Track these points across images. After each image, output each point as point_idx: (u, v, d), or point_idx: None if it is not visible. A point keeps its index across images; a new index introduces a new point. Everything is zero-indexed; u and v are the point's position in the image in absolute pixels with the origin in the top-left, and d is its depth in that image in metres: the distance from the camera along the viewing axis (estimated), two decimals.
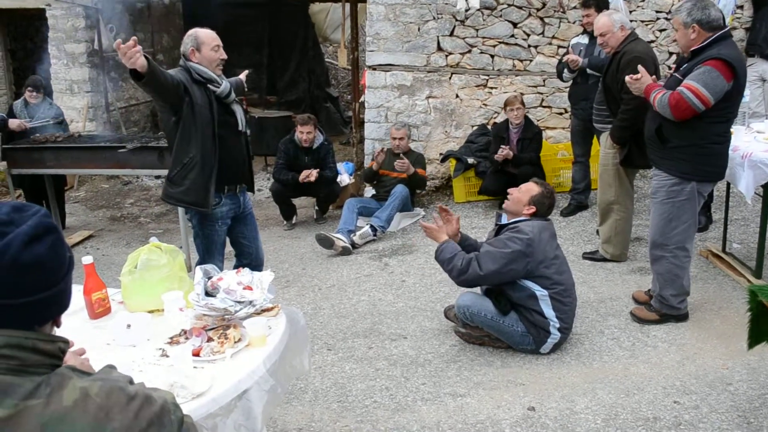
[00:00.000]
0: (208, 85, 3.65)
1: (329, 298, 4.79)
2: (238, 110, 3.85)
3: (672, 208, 3.85)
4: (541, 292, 3.64)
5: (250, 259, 4.05)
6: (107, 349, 2.29)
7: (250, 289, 2.48)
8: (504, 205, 3.92)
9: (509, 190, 3.92)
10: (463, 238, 4.01)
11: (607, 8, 5.60)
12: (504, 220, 3.90)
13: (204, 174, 3.65)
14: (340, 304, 4.67)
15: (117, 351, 2.27)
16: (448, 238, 3.77)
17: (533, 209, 3.77)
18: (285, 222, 6.80)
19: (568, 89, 6.35)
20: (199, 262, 3.78)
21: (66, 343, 1.31)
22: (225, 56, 3.72)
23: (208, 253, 3.84)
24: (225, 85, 3.74)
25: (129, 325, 2.37)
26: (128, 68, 3.20)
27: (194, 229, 3.87)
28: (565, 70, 5.94)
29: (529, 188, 3.84)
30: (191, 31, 3.72)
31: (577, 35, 6.24)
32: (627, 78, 3.94)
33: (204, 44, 3.64)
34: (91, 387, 1.22)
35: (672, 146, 3.78)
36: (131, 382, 1.32)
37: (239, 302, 2.40)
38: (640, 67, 3.92)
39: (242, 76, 4.32)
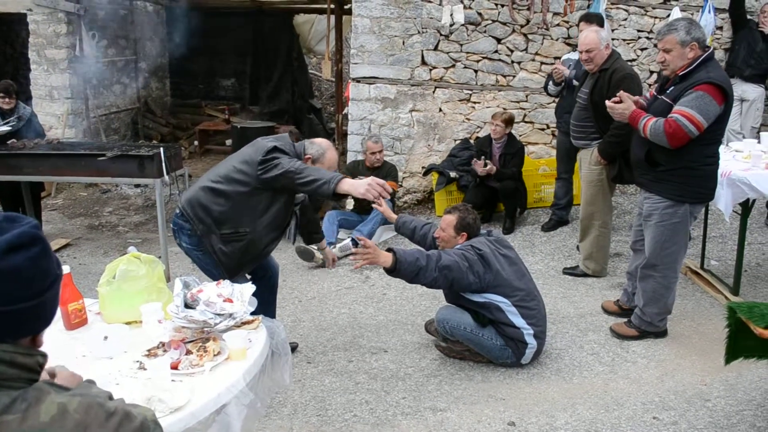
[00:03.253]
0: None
1: (309, 310, 4.76)
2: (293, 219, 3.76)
3: (666, 231, 3.87)
4: (504, 302, 3.65)
5: (263, 271, 3.87)
6: (83, 360, 2.26)
7: (231, 301, 2.46)
8: (440, 250, 3.80)
9: (434, 234, 3.91)
10: (402, 219, 4.12)
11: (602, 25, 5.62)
12: None
13: (246, 253, 3.54)
14: (320, 316, 4.65)
15: (93, 363, 2.23)
16: (393, 249, 3.53)
17: (465, 235, 3.80)
18: None
19: (552, 104, 6.41)
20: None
21: (44, 357, 1.29)
22: None
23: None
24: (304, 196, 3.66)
25: (106, 337, 2.33)
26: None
27: (191, 254, 3.63)
28: (550, 83, 5.99)
29: (448, 221, 3.83)
30: (324, 145, 3.57)
31: (569, 51, 6.33)
32: (608, 102, 3.94)
33: (321, 164, 3.48)
34: (69, 403, 1.19)
35: (664, 170, 3.78)
36: (110, 397, 1.30)
37: (219, 314, 2.37)
38: (621, 93, 3.90)
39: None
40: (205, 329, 2.37)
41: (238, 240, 3.48)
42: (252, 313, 2.51)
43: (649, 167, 3.84)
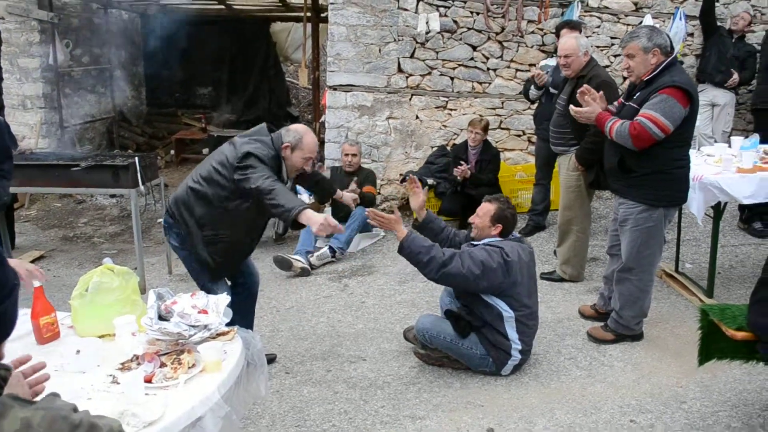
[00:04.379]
0: None
1: (287, 320, 4.74)
2: None
3: (641, 235, 3.92)
4: (508, 313, 3.64)
5: (243, 277, 3.85)
6: (55, 375, 2.20)
7: (206, 312, 2.44)
8: (473, 235, 3.86)
9: (470, 220, 3.89)
10: (429, 218, 3.99)
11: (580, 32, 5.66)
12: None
13: (227, 255, 3.54)
14: (298, 326, 4.63)
15: (65, 377, 2.20)
16: (409, 231, 3.59)
17: (499, 227, 3.75)
18: None
19: (528, 111, 6.46)
20: (200, 284, 3.58)
21: (8, 370, 1.27)
22: (309, 170, 3.60)
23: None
24: (288, 186, 3.61)
25: (78, 351, 2.31)
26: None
27: (178, 252, 3.63)
28: (532, 87, 6.03)
29: (486, 209, 3.80)
30: (300, 129, 3.51)
31: (545, 58, 6.38)
32: (572, 108, 3.99)
33: (301, 150, 3.45)
34: (33, 417, 1.18)
35: (636, 175, 3.83)
36: (75, 410, 1.28)
37: (194, 326, 2.36)
38: (587, 98, 3.95)
39: (346, 196, 4.25)
40: (180, 341, 2.35)
41: (219, 242, 3.49)
42: (228, 324, 2.50)
43: (622, 173, 3.89)
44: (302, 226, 3.17)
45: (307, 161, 3.52)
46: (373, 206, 6.42)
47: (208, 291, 3.30)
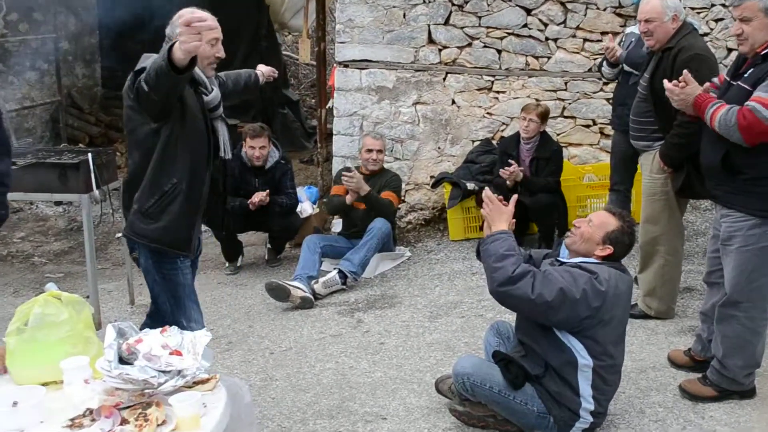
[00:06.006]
0: (200, 87, 3.63)
1: (284, 365, 4.76)
2: (222, 129, 3.79)
3: (752, 257, 3.87)
4: (585, 360, 3.58)
5: None
6: None
7: (180, 354, 2.46)
8: (567, 242, 3.85)
9: (575, 223, 3.87)
10: None
11: None
12: (564, 255, 3.85)
13: (190, 207, 3.60)
14: (298, 373, 4.64)
15: None
16: (510, 230, 3.64)
17: (609, 250, 3.71)
18: (227, 264, 6.76)
19: (600, 93, 6.42)
20: (171, 319, 3.58)
21: None
22: (222, 54, 3.64)
23: (176, 300, 3.67)
24: (215, 93, 3.72)
25: (15, 403, 2.33)
26: (167, 57, 3.12)
27: (149, 275, 3.69)
28: (604, 63, 6.02)
29: (603, 221, 3.77)
30: (183, 12, 3.57)
31: (624, 24, 6.38)
32: (668, 85, 3.95)
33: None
34: None
35: (746, 178, 3.79)
36: None
37: (164, 372, 2.37)
38: (686, 73, 3.90)
39: (263, 70, 4.53)
40: (147, 391, 2.37)
41: (172, 200, 3.55)
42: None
43: (726, 175, 3.85)
44: (191, 65, 3.18)
45: (214, 43, 3.58)
46: (388, 217, 6.36)
47: (181, 324, 3.34)
